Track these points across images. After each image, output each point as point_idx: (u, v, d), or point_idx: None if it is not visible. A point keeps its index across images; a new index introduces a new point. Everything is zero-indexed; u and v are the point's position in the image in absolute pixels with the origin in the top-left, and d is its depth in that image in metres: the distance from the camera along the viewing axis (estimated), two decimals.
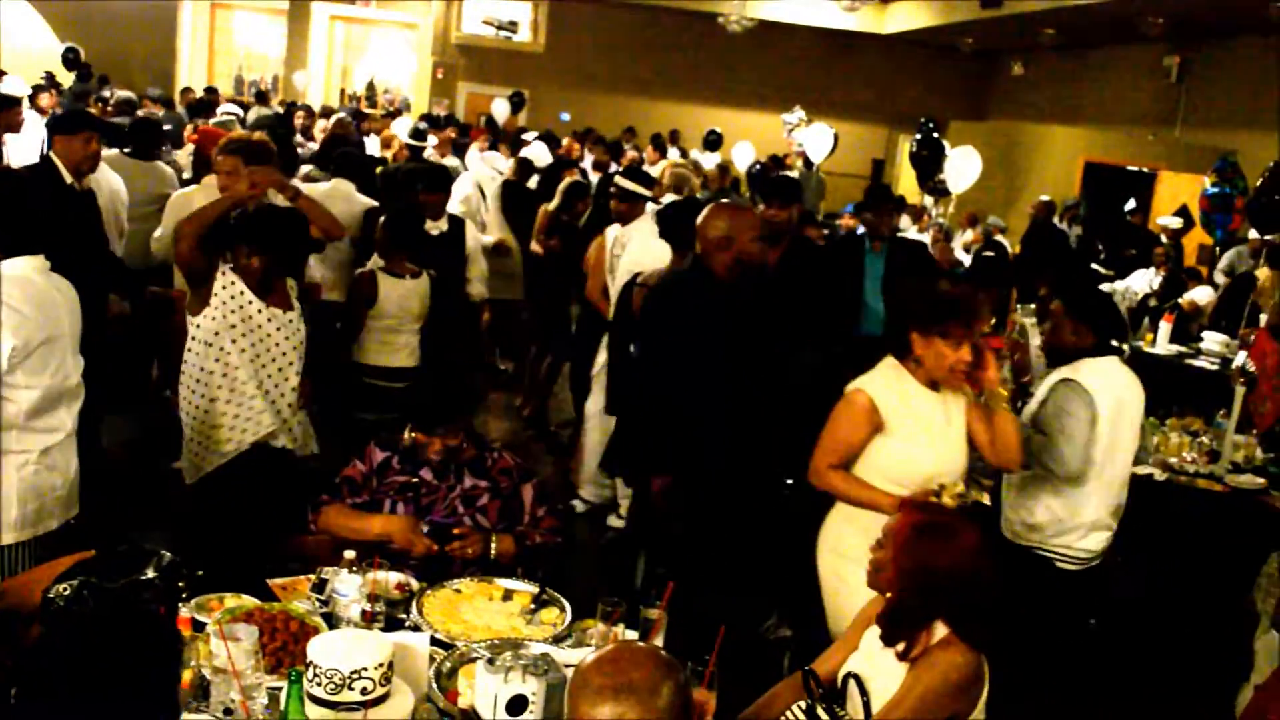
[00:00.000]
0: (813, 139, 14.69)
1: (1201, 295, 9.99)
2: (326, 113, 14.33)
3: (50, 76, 14.18)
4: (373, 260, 5.75)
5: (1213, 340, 8.72)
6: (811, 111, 16.51)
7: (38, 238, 3.56)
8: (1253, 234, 10.16)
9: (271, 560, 3.64)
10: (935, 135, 13.35)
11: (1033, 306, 7.21)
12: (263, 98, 17.94)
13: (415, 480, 3.76)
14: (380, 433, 3.93)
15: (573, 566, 4.49)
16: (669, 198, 7.37)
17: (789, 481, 5.67)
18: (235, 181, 5.15)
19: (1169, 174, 15.44)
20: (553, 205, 8.10)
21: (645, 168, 10.74)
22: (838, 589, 3.70)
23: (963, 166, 12.75)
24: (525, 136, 13.50)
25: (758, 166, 14.36)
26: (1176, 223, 11.98)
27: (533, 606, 3.28)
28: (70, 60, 15.63)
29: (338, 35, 22.73)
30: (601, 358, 6.32)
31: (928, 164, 13.16)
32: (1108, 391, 4.17)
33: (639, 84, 20.57)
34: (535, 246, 8.13)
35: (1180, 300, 9.73)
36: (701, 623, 2.89)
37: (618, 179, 6.76)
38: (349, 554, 3.21)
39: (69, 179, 5.62)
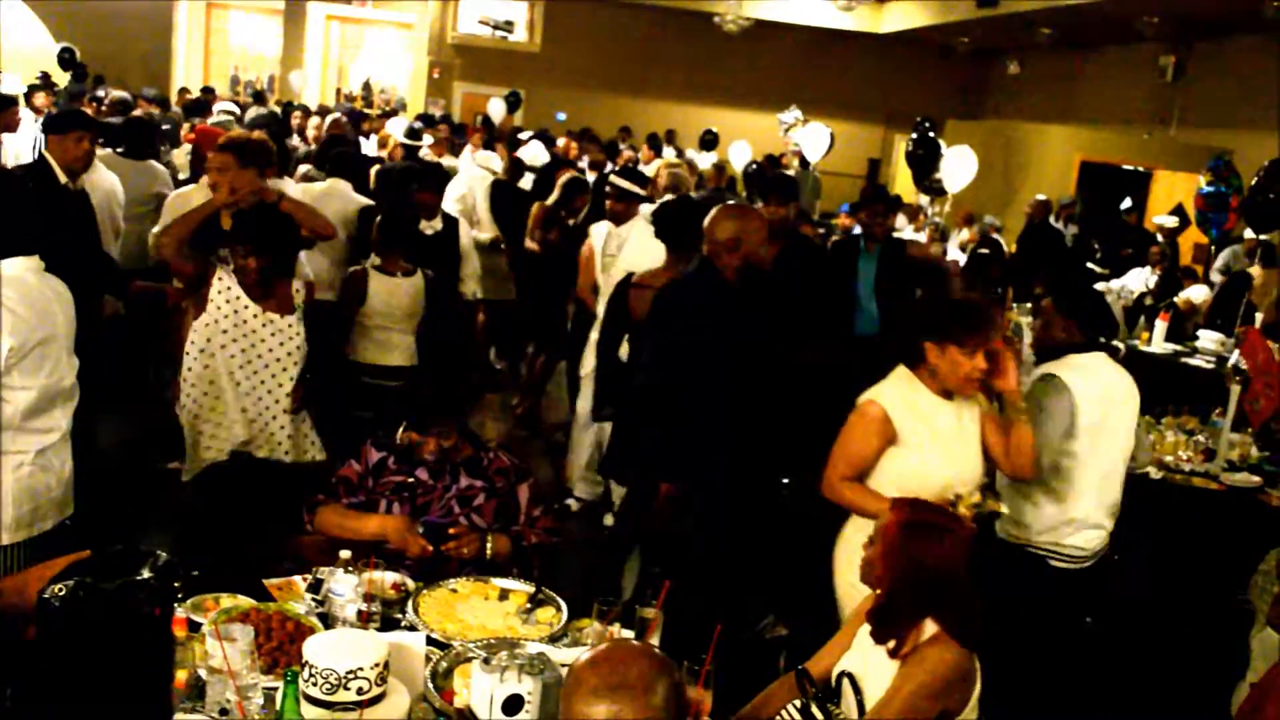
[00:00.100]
0: (809, 138, 14.69)
1: (1197, 294, 10.00)
2: (323, 111, 14.32)
3: (45, 76, 14.16)
4: (370, 259, 5.76)
5: (1208, 339, 8.72)
6: (807, 111, 16.51)
7: (32, 238, 3.56)
8: (1248, 233, 10.17)
9: (267, 560, 3.64)
10: (931, 134, 13.36)
11: (1029, 305, 7.23)
12: (260, 98, 17.93)
13: (411, 480, 3.75)
14: (377, 432, 3.93)
15: (568, 566, 4.49)
16: (665, 198, 7.37)
17: (784, 481, 5.69)
18: (226, 179, 5.16)
19: (1165, 173, 15.46)
20: (552, 199, 8.10)
21: (640, 167, 10.75)
22: (855, 600, 3.67)
23: (959, 166, 12.75)
24: (521, 136, 13.51)
25: (754, 166, 14.36)
26: (1172, 222, 11.99)
27: (529, 606, 3.28)
28: (65, 60, 15.63)
29: (334, 35, 22.74)
30: (590, 362, 6.25)
31: (924, 163, 13.16)
32: (1090, 386, 4.16)
33: (635, 83, 20.57)
34: (530, 244, 8.12)
35: (1176, 299, 9.73)
36: (697, 622, 2.89)
37: (613, 178, 6.76)
38: (345, 554, 3.21)
39: (63, 179, 5.61)
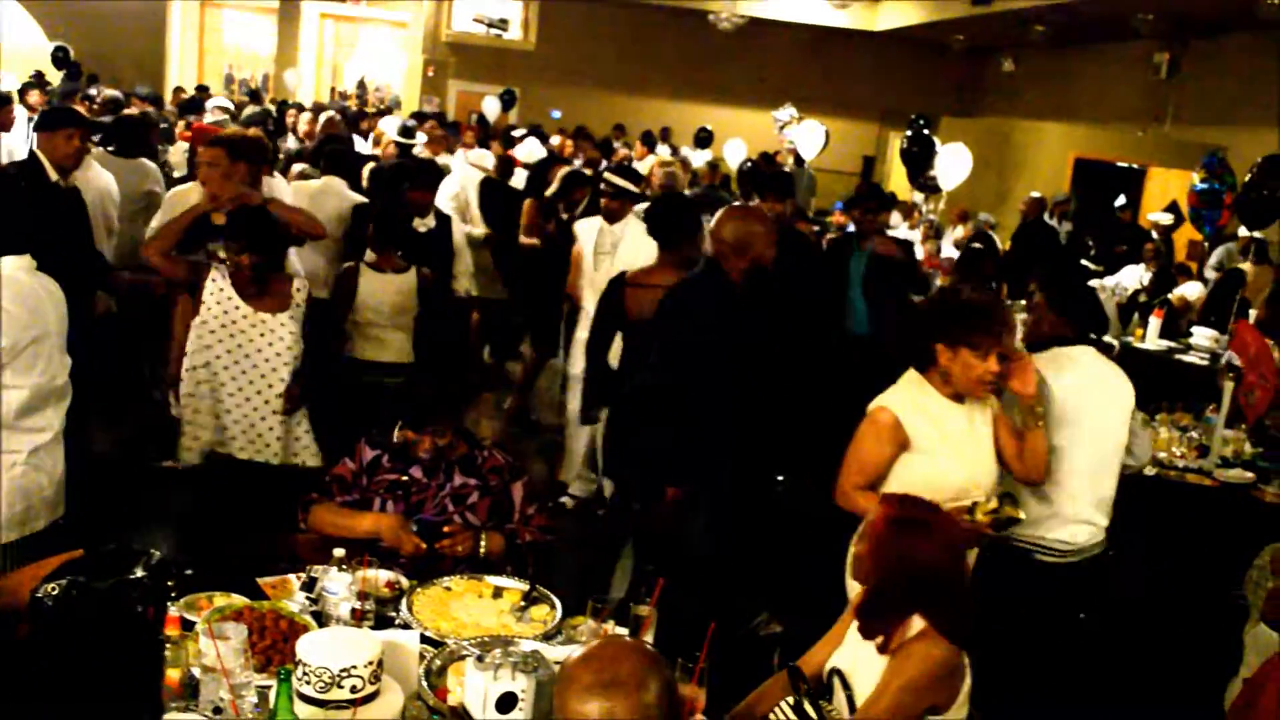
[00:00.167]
0: (804, 136, 14.71)
1: (1191, 291, 10.01)
2: (317, 109, 14.31)
3: (39, 75, 14.14)
4: (365, 256, 5.77)
5: (1202, 336, 8.74)
6: (802, 108, 16.53)
7: (24, 236, 3.55)
8: (1242, 230, 10.19)
9: (261, 559, 3.64)
10: (926, 132, 13.37)
11: (1024, 303, 7.22)
12: (256, 96, 17.94)
13: (405, 478, 3.75)
14: (371, 430, 3.93)
15: (563, 564, 4.48)
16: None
17: (779, 478, 5.69)
18: (216, 175, 5.17)
19: (1159, 170, 15.48)
20: (550, 191, 8.09)
21: (634, 164, 10.75)
22: None
23: (953, 163, 12.78)
24: (514, 133, 13.51)
25: (749, 164, 14.36)
26: (1168, 219, 12.00)
27: (523, 604, 3.28)
28: (59, 59, 15.60)
29: (328, 33, 22.72)
30: (580, 362, 6.18)
31: (919, 161, 13.18)
32: (1072, 379, 4.13)
33: (630, 81, 20.57)
34: (526, 240, 8.10)
35: (1170, 296, 9.75)
36: (692, 619, 2.90)
37: (608, 175, 6.74)
38: (338, 552, 3.21)
39: (53, 176, 5.60)
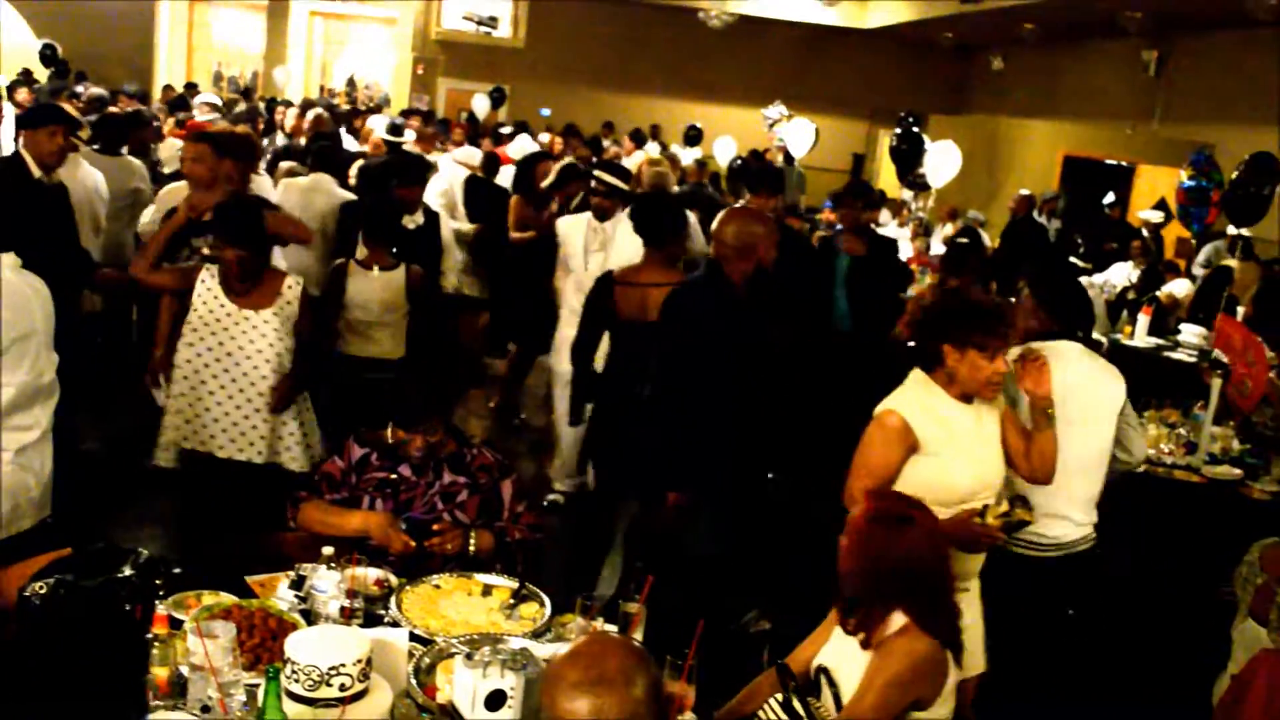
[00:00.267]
0: (794, 134, 14.72)
1: (1179, 288, 10.04)
2: (306, 105, 14.29)
3: (27, 73, 14.12)
4: (357, 253, 5.79)
5: (1190, 333, 8.76)
6: (792, 106, 16.54)
7: (6, 234, 3.54)
8: (1231, 228, 10.22)
9: (250, 557, 3.63)
10: (915, 130, 13.39)
11: (1013, 300, 7.23)
12: (248, 94, 17.94)
13: (394, 476, 3.75)
14: (359, 428, 3.93)
15: (552, 561, 4.48)
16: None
17: (769, 475, 5.70)
18: (201, 170, 5.17)
19: (1147, 167, 15.51)
20: (546, 182, 8.06)
21: (623, 160, 10.75)
22: None
23: (942, 161, 12.80)
24: (503, 130, 13.51)
25: (739, 161, 14.37)
26: (1158, 217, 12.03)
27: (512, 601, 3.27)
28: (47, 57, 15.56)
29: (317, 31, 22.67)
30: (565, 362, 6.06)
31: (908, 158, 13.20)
32: (1059, 375, 4.09)
33: (620, 79, 20.57)
34: (516, 234, 8.04)
35: (1158, 293, 9.77)
36: (681, 616, 2.90)
37: (599, 173, 6.71)
38: (327, 550, 3.20)
39: (36, 173, 5.57)
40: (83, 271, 5.50)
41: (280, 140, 11.84)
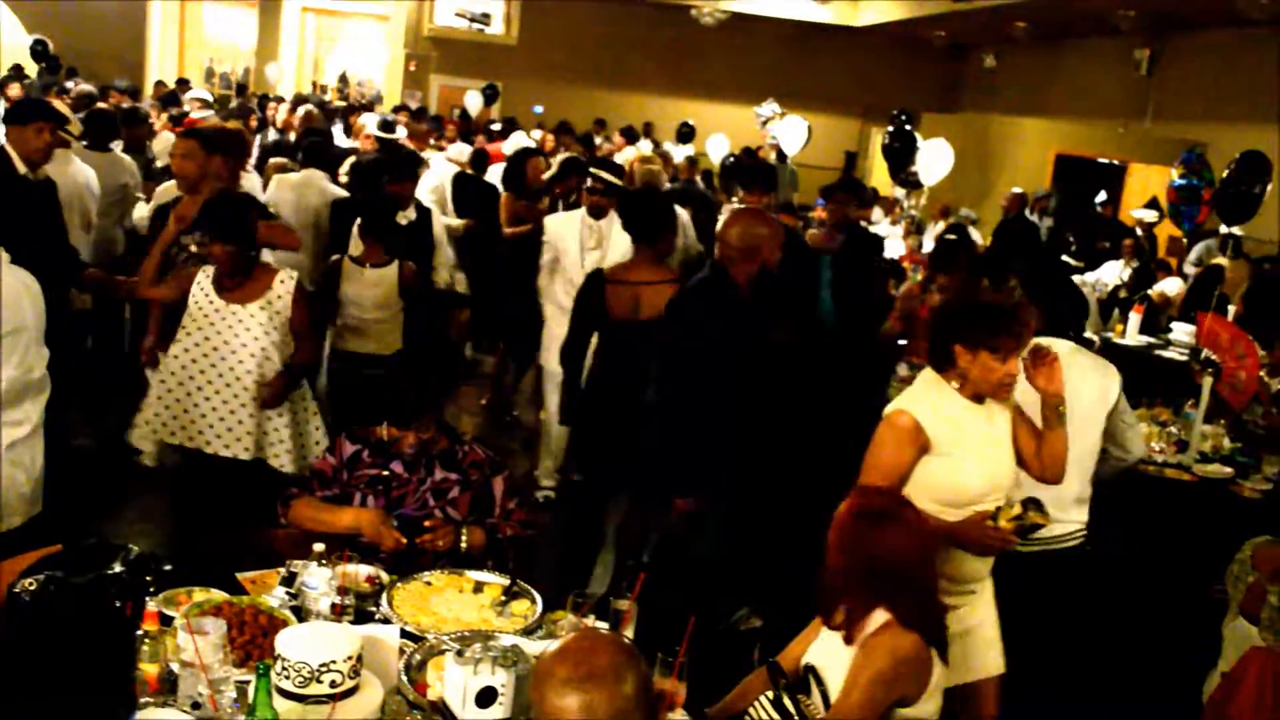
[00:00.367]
0: (787, 132, 14.72)
1: (1171, 287, 10.05)
2: (299, 101, 14.27)
3: (18, 69, 14.08)
4: (349, 249, 5.80)
5: (1182, 331, 8.77)
6: (784, 104, 16.53)
7: None
8: (1223, 227, 10.24)
9: (241, 554, 3.63)
10: (907, 127, 13.38)
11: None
12: (242, 90, 17.95)
13: (386, 473, 3.74)
14: (351, 425, 3.93)
15: (544, 559, 4.49)
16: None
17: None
18: (190, 166, 5.17)
19: (1139, 166, 15.53)
20: (549, 174, 8.04)
21: (614, 158, 10.73)
22: None
23: (935, 159, 12.80)
24: (493, 127, 13.50)
25: (731, 159, 14.37)
26: (1152, 216, 12.04)
27: (503, 599, 3.27)
28: (38, 52, 15.51)
29: (309, 27, 22.62)
30: (554, 361, 6.02)
31: (900, 156, 13.19)
32: None
33: (612, 76, 20.55)
34: (511, 230, 7.99)
35: (1150, 292, 9.79)
36: (672, 613, 2.90)
37: (595, 171, 6.67)
38: (318, 547, 3.20)
39: (21, 169, 5.53)
40: (70, 270, 5.48)
41: (272, 136, 11.83)
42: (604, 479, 5.33)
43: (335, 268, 5.70)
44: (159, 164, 8.16)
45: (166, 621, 2.83)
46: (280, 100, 14.69)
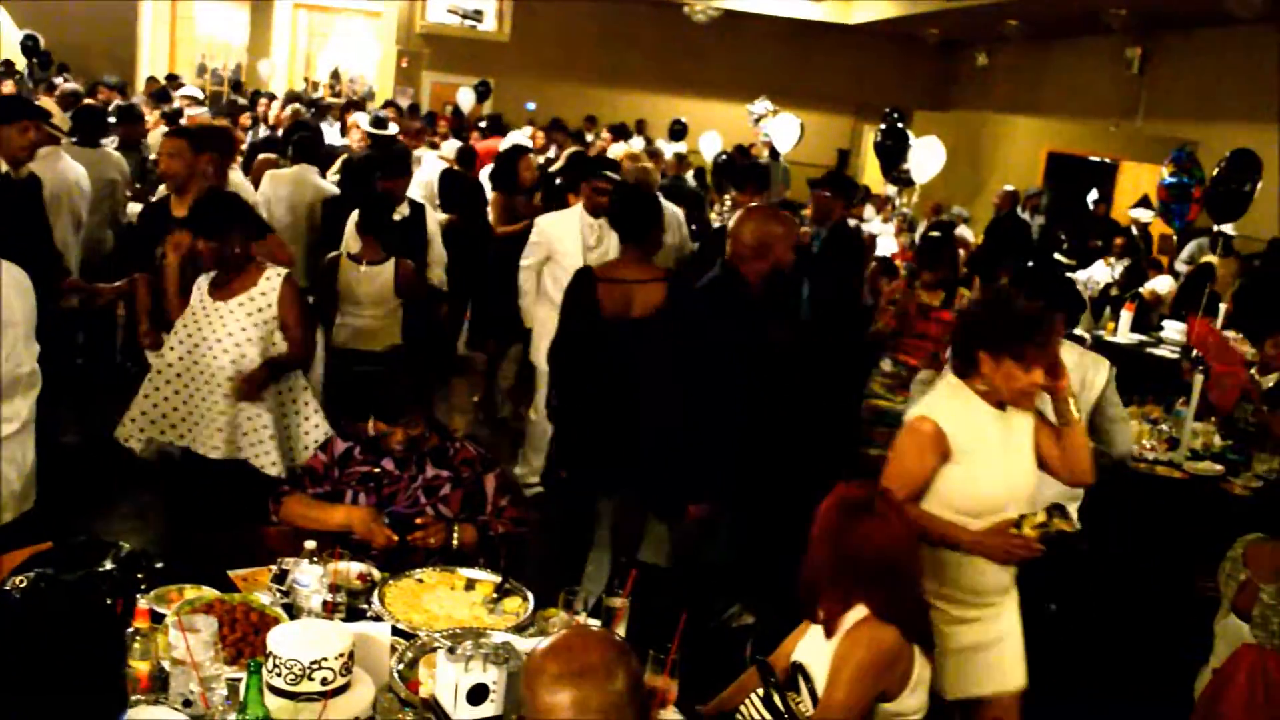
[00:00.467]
0: (780, 129, 14.72)
1: (1162, 285, 10.08)
2: (292, 98, 14.26)
3: (9, 64, 14.05)
4: (344, 246, 5.81)
5: (1173, 329, 8.81)
6: (777, 101, 16.54)
7: None
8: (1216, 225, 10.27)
9: (232, 551, 3.62)
10: (900, 125, 13.41)
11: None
12: (238, 87, 17.94)
13: (377, 470, 3.74)
14: (341, 422, 3.92)
15: (535, 556, 4.48)
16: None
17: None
18: (179, 165, 5.16)
19: (1131, 164, 15.56)
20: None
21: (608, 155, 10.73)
22: None
23: (927, 157, 12.82)
24: (481, 124, 13.50)
25: (724, 156, 14.38)
26: (1147, 215, 12.06)
27: (495, 596, 3.27)
28: (29, 47, 15.48)
29: (301, 23, 22.58)
30: (543, 358, 5.99)
31: (892, 154, 13.21)
32: None
33: (605, 73, 20.53)
34: (504, 229, 7.97)
35: (1141, 290, 9.82)
36: (664, 611, 2.90)
37: (607, 172, 6.64)
38: (310, 544, 3.19)
39: (4, 167, 5.49)
40: (52, 276, 5.40)
41: (263, 132, 11.82)
42: (593, 477, 5.32)
43: (333, 265, 5.70)
44: (153, 156, 8.15)
45: (158, 619, 2.82)
46: (272, 97, 14.67)
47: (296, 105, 11.98)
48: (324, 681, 2.45)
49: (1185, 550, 5.18)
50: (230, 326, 4.55)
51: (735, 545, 4.70)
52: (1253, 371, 6.08)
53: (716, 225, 9.46)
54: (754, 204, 5.29)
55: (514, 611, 3.21)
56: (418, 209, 6.80)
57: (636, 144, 14.67)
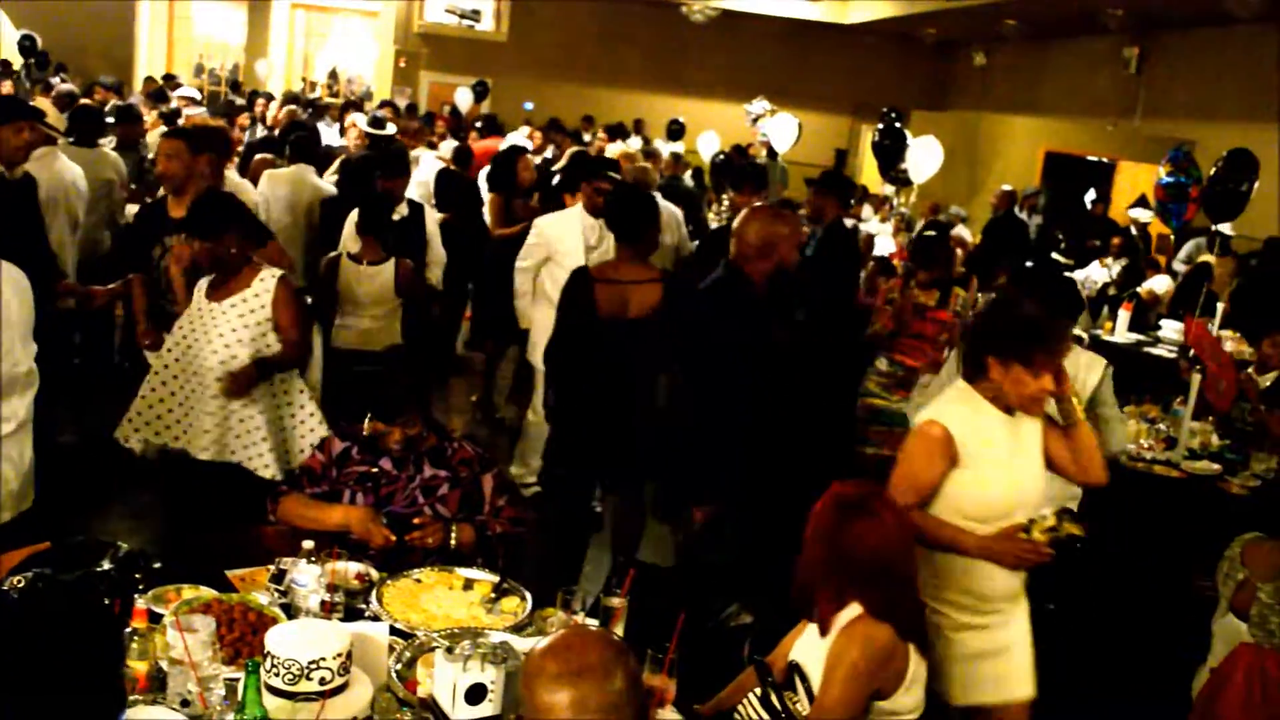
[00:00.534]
0: (777, 129, 14.71)
1: (1160, 284, 10.09)
2: (290, 99, 14.25)
3: (6, 65, 14.05)
4: (343, 245, 5.81)
5: (1171, 329, 8.81)
6: (774, 101, 16.54)
7: None
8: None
9: (230, 551, 3.62)
10: (897, 125, 13.40)
11: (993, 295, 7.26)
12: (237, 87, 17.93)
13: (375, 470, 3.74)
14: (340, 422, 3.92)
15: (534, 556, 4.47)
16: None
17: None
18: (176, 166, 5.15)
19: (1128, 164, 15.58)
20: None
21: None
22: None
23: (924, 156, 12.81)
24: (477, 124, 13.50)
25: (721, 156, 14.38)
26: (1147, 216, 12.06)
27: (493, 596, 3.27)
28: (26, 47, 15.47)
29: (299, 23, 22.57)
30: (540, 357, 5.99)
31: (890, 154, 13.20)
32: None
33: (602, 73, 20.53)
34: (502, 232, 7.95)
35: (1139, 289, 9.82)
36: (662, 610, 2.90)
37: (611, 173, 6.64)
38: (307, 544, 3.19)
39: None
40: (48, 278, 5.38)
41: (261, 132, 11.82)
42: (589, 476, 5.32)
43: (333, 265, 5.70)
44: (152, 155, 8.15)
45: (155, 619, 2.82)
46: (270, 97, 14.67)
47: (292, 106, 11.98)
48: (322, 681, 2.45)
49: (1183, 549, 5.18)
50: (222, 328, 4.52)
51: (740, 545, 4.69)
52: (1250, 371, 6.09)
53: (714, 225, 9.47)
54: (757, 204, 5.25)
55: (512, 611, 3.21)
56: (417, 209, 6.79)
57: (634, 144, 14.68)
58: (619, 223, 5.20)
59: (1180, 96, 14.49)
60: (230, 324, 4.52)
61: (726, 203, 11.01)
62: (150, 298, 5.18)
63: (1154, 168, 11.87)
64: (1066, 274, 9.48)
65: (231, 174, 6.46)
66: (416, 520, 3.62)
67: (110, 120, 8.53)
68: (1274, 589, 3.91)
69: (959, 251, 10.97)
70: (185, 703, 2.55)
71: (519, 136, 11.40)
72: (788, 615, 3.58)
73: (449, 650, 2.52)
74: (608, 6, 20.15)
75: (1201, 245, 10.62)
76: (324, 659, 2.45)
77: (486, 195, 8.25)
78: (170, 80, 16.32)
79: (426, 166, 9.25)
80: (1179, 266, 10.70)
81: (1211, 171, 9.44)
